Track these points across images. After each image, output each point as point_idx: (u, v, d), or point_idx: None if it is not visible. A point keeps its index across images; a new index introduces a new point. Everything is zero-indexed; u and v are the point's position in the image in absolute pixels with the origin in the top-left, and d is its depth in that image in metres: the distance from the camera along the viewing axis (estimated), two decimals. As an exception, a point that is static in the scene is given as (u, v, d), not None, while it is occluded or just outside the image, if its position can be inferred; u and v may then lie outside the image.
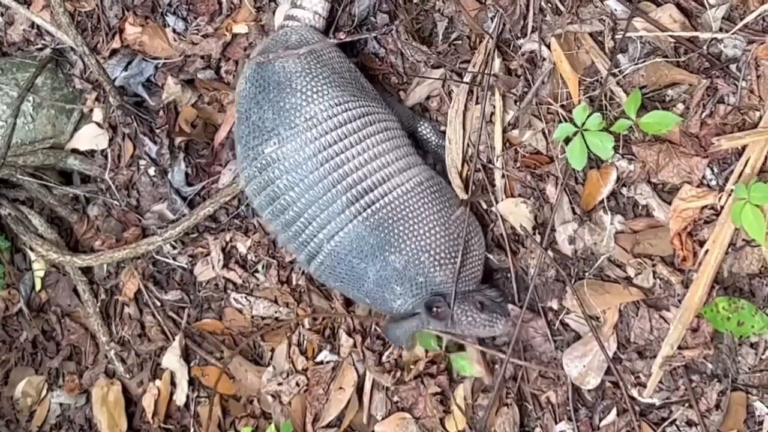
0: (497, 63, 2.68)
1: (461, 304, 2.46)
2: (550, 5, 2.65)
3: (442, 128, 2.75)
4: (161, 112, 3.08)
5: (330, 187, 2.40)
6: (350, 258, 2.42)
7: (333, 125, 2.44)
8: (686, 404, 2.45)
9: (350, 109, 2.48)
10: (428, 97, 2.84)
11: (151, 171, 3.11)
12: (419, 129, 2.75)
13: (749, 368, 2.41)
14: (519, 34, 2.70)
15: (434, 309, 2.44)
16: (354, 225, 2.40)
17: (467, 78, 2.71)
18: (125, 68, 3.13)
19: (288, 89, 2.48)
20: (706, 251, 2.42)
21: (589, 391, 2.56)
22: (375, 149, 2.47)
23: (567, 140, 2.49)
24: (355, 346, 2.87)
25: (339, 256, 2.44)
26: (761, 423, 2.41)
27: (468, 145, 2.73)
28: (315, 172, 2.41)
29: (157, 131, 3.09)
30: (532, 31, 2.66)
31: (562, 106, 2.59)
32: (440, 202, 2.52)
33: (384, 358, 2.81)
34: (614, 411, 2.55)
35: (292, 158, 2.42)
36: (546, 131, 2.63)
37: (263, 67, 2.54)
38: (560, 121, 2.57)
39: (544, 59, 2.63)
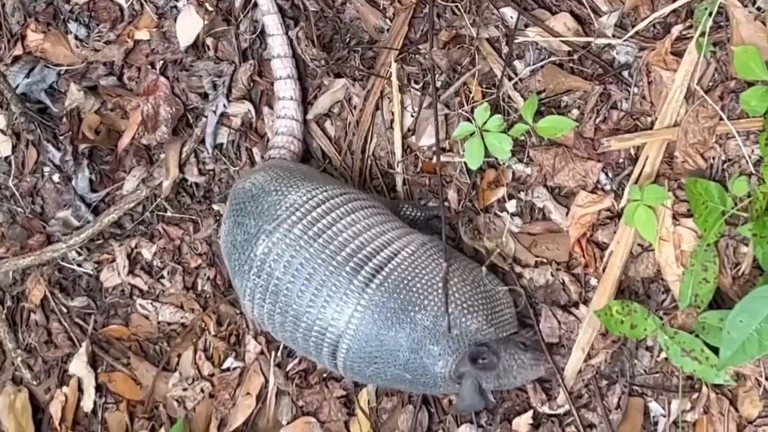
0: (394, 68, 2.60)
1: (507, 348, 2.25)
2: (448, 11, 2.59)
3: (422, 201, 2.63)
4: (64, 119, 2.97)
5: (330, 260, 2.20)
6: (376, 330, 2.18)
7: (316, 204, 2.28)
8: (588, 405, 2.42)
9: (329, 191, 2.33)
10: (332, 107, 2.76)
11: (55, 178, 2.99)
12: (402, 212, 2.56)
13: (645, 370, 2.37)
14: (419, 40, 2.64)
15: (480, 360, 2.21)
16: (369, 295, 2.17)
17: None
18: (27, 75, 2.99)
19: (263, 194, 2.34)
20: (611, 253, 2.38)
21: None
22: (365, 221, 2.29)
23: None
24: (262, 352, 2.76)
25: (364, 333, 2.18)
26: (656, 423, 2.37)
27: (368, 156, 2.68)
28: (310, 248, 2.21)
29: (61, 138, 2.97)
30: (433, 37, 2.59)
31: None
32: (450, 256, 2.30)
33: (289, 368, 2.72)
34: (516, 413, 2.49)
35: (283, 242, 2.23)
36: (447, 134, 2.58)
37: (236, 192, 2.42)
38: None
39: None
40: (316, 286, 2.20)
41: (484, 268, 2.37)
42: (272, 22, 2.71)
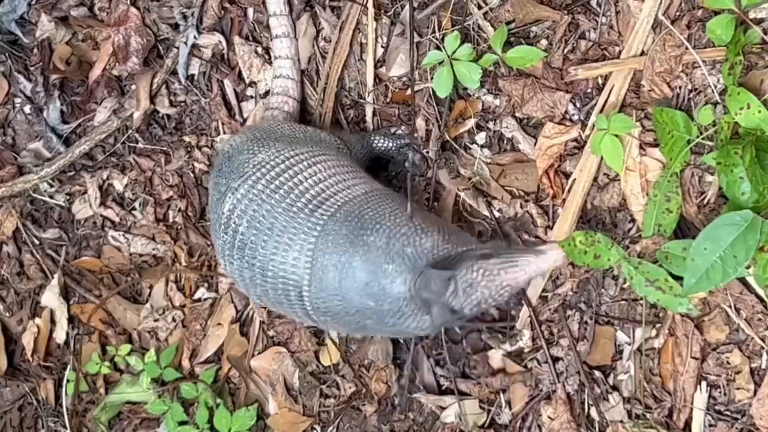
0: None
1: (464, 262, 2.09)
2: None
3: (392, 129, 2.60)
4: (35, 50, 2.94)
5: (289, 208, 2.16)
6: (334, 259, 2.12)
7: (281, 160, 2.25)
8: (554, 338, 2.44)
9: (297, 149, 2.30)
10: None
11: (27, 109, 2.97)
12: (374, 144, 2.56)
13: (610, 298, 2.38)
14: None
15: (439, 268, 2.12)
16: (323, 226, 2.14)
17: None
18: (-2, 5, 2.96)
19: (236, 155, 2.32)
20: (574, 180, 2.39)
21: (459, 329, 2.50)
22: (326, 172, 2.25)
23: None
24: (234, 283, 2.74)
25: (321, 263, 2.13)
26: (621, 351, 2.38)
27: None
28: (271, 200, 2.18)
29: (32, 69, 2.95)
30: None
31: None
32: (405, 200, 2.26)
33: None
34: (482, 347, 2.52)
35: (246, 198, 2.21)
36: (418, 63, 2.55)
37: (217, 155, 2.41)
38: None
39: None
40: (278, 233, 2.17)
41: None
42: None
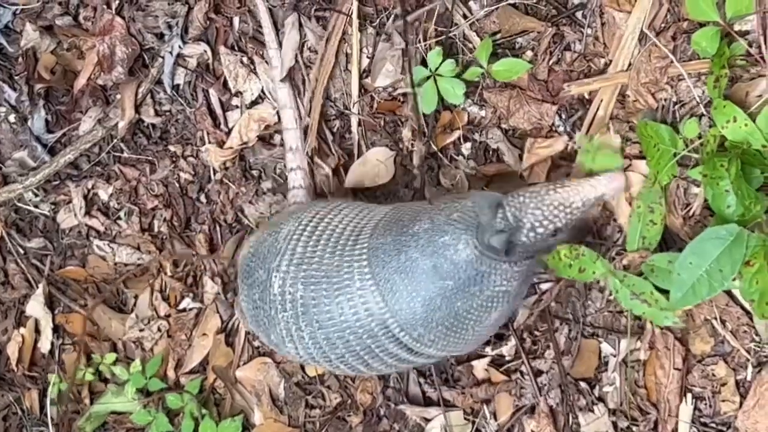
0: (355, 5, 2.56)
1: (504, 198, 2.05)
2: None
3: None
4: (20, 59, 2.92)
5: (334, 250, 2.13)
6: (393, 265, 2.05)
7: (308, 221, 2.21)
8: (538, 350, 2.43)
9: (318, 209, 2.27)
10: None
11: (11, 118, 2.94)
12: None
13: (596, 310, 2.37)
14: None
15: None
16: (368, 246, 2.10)
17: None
18: (-18, 15, 2.93)
19: (259, 246, 2.27)
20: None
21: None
22: (354, 212, 2.23)
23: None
24: (219, 293, 2.77)
25: (386, 276, 2.05)
26: (607, 363, 2.37)
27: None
28: (316, 253, 2.14)
29: (17, 78, 2.93)
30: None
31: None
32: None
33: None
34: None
35: (292, 264, 2.16)
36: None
37: (239, 265, 2.37)
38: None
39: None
40: (335, 276, 2.11)
41: None
42: (288, 117, 2.66)
